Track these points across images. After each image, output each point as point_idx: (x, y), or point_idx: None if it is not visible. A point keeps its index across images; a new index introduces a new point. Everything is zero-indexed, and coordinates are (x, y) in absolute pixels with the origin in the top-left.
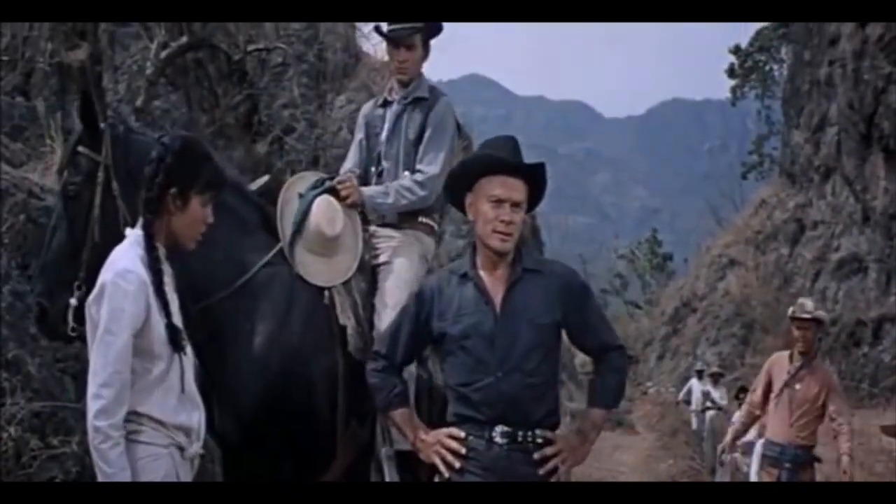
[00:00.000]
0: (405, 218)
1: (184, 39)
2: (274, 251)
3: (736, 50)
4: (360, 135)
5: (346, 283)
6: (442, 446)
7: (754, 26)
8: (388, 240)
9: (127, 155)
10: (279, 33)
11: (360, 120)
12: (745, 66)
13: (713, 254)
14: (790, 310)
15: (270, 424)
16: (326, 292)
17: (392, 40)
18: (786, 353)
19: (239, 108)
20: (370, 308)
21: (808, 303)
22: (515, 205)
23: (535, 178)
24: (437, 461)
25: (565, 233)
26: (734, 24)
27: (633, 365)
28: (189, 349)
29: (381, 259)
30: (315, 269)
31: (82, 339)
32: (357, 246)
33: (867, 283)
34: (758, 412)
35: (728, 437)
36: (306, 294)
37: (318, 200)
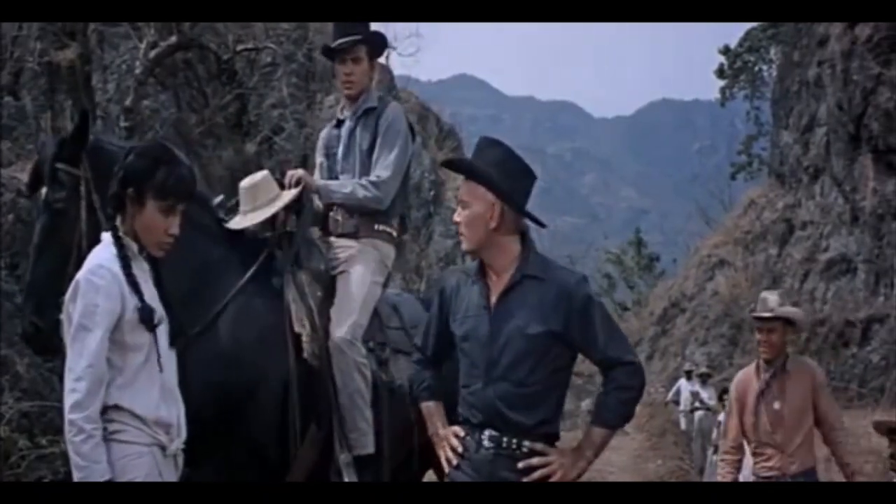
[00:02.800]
0: (362, 227)
1: (173, 39)
2: (233, 292)
3: (725, 50)
4: (319, 158)
5: (301, 293)
6: (447, 442)
7: (744, 27)
8: (345, 249)
9: (99, 167)
10: (268, 33)
11: (320, 143)
12: (735, 67)
13: (702, 254)
14: (751, 306)
15: (220, 424)
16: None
17: (339, 53)
18: (750, 367)
19: (228, 108)
20: (326, 316)
21: (772, 297)
22: (462, 204)
23: (467, 175)
24: (441, 456)
25: (553, 233)
26: (723, 24)
27: None
28: (166, 343)
29: (339, 269)
30: (232, 221)
31: None
32: (269, 208)
33: (856, 283)
34: (739, 455)
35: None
36: (260, 309)
37: None
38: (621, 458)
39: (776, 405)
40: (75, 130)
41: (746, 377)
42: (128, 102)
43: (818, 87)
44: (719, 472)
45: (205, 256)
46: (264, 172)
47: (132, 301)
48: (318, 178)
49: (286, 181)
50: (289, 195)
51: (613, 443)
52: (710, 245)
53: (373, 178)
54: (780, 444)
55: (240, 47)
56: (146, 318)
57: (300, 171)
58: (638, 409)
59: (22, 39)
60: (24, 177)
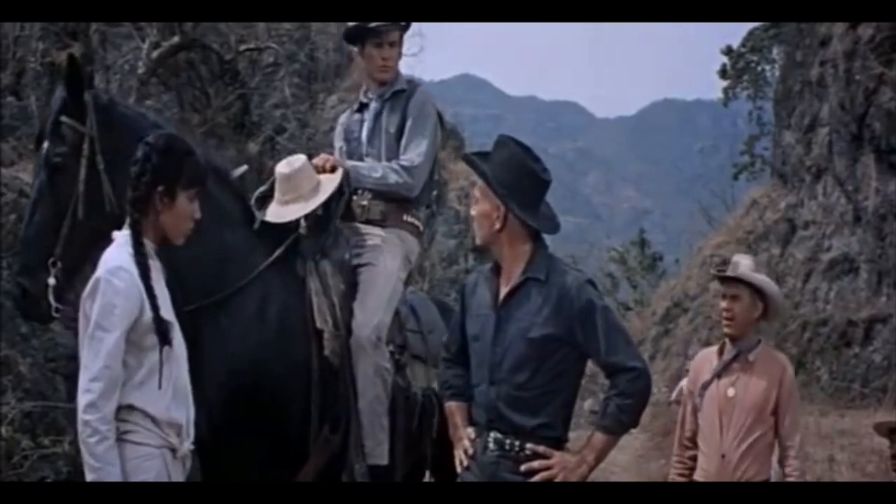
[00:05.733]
0: (390, 214)
1: (175, 39)
2: (258, 270)
3: (727, 51)
4: (338, 143)
5: (324, 284)
6: (461, 444)
7: (746, 27)
8: (370, 238)
9: (111, 128)
10: (271, 33)
11: (339, 128)
12: (737, 67)
13: (704, 254)
14: (715, 269)
15: (239, 422)
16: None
17: (376, 37)
18: (713, 347)
19: (230, 108)
20: (348, 311)
21: (744, 261)
22: (475, 199)
23: (476, 172)
24: (456, 458)
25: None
26: (726, 25)
27: None
28: (182, 345)
29: (363, 259)
30: (269, 210)
31: (68, 324)
32: (313, 199)
33: (858, 283)
34: (694, 452)
35: None
36: (283, 295)
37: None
38: (624, 458)
39: (730, 392)
40: (66, 78)
41: (706, 356)
42: (130, 102)
43: (820, 87)
44: (671, 473)
45: (227, 236)
46: (303, 159)
47: (149, 307)
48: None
49: (319, 164)
50: (332, 184)
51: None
52: (712, 245)
53: (404, 162)
54: (721, 442)
55: (242, 47)
56: (162, 331)
57: (332, 157)
58: None
59: (24, 39)
60: (26, 177)
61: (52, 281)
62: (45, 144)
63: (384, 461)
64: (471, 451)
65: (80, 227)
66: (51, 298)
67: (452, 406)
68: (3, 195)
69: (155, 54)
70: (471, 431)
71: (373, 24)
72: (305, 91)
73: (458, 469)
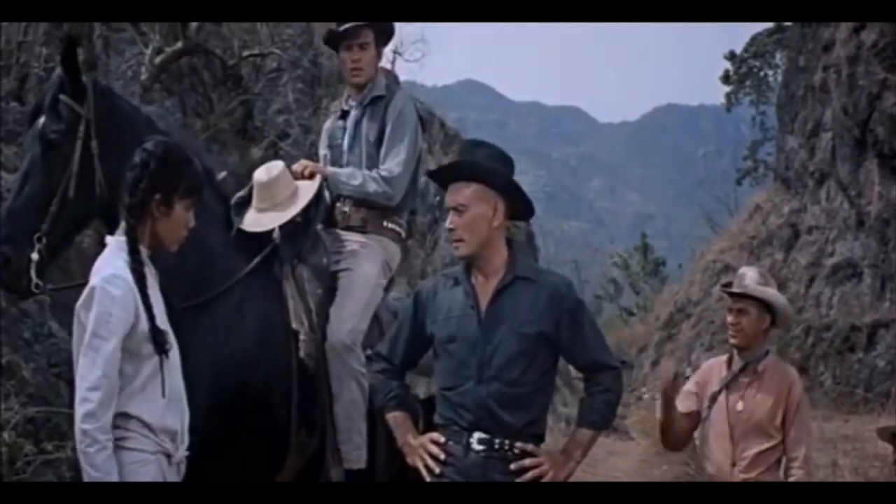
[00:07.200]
0: (371, 221)
1: (178, 45)
2: (242, 273)
3: (731, 56)
4: (323, 150)
5: (300, 288)
6: (424, 450)
7: (749, 32)
8: (350, 244)
9: (108, 114)
10: (274, 39)
11: (323, 135)
12: (740, 72)
13: (708, 259)
14: (721, 283)
15: (222, 424)
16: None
17: (345, 39)
18: (721, 357)
19: (233, 114)
20: (325, 316)
21: (751, 273)
22: (454, 209)
23: (478, 177)
24: (419, 465)
25: (559, 238)
26: (729, 30)
27: (627, 371)
28: (176, 352)
29: (342, 265)
30: (246, 218)
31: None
32: (289, 208)
33: (862, 288)
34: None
35: None
36: (263, 298)
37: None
38: (627, 464)
39: (739, 406)
40: (63, 59)
41: (714, 366)
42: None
43: (823, 92)
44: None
45: (212, 237)
46: (280, 166)
47: (145, 314)
48: (326, 168)
49: (298, 171)
50: (309, 192)
51: (619, 448)
52: (715, 250)
53: (384, 172)
54: (733, 453)
55: (245, 53)
56: (158, 341)
57: (311, 163)
58: (643, 414)
59: (27, 45)
60: None
61: (35, 256)
62: (41, 120)
63: (361, 465)
64: (442, 456)
65: (69, 207)
66: (32, 273)
67: (399, 416)
68: (5, 200)
69: (158, 60)
70: (436, 436)
71: (343, 27)
72: (309, 97)
73: (426, 476)
